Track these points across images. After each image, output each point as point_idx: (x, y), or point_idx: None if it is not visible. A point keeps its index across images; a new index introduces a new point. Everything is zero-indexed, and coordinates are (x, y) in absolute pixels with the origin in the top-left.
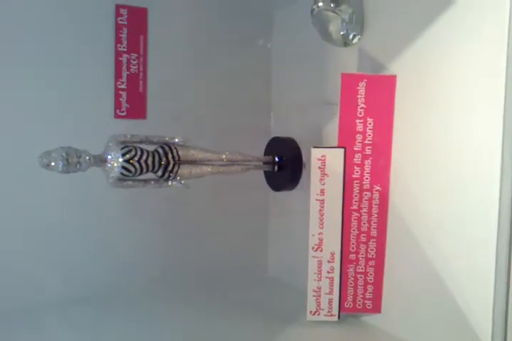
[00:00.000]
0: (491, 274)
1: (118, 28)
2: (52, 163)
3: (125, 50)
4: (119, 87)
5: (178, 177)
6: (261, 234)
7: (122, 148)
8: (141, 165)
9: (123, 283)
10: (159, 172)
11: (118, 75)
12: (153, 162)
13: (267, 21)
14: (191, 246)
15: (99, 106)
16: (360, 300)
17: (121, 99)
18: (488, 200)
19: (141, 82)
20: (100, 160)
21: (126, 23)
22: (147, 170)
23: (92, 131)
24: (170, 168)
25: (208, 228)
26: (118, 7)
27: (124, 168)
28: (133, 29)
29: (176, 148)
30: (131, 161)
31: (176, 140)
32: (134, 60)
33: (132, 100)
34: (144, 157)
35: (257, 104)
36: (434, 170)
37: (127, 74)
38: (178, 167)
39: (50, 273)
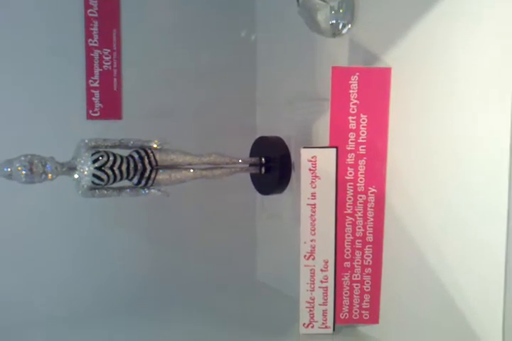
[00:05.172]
0: (499, 282)
1: (88, 21)
2: (14, 173)
3: (97, 45)
4: (92, 85)
5: (156, 185)
6: (249, 240)
7: (93, 154)
8: (114, 173)
9: (106, 297)
10: (135, 180)
11: (90, 73)
12: (127, 168)
13: (249, 11)
14: (176, 253)
15: (70, 106)
16: (356, 311)
17: (93, 99)
18: (496, 202)
19: (115, 79)
20: (69, 168)
21: (96, 15)
22: (121, 178)
23: (63, 134)
24: (147, 175)
25: (192, 234)
26: None
27: (95, 176)
28: (105, 22)
29: (152, 152)
30: (103, 168)
31: (153, 143)
32: (106, 56)
33: (106, 99)
34: (118, 163)
35: (242, 101)
36: (434, 169)
37: (100, 72)
38: (156, 173)
39: (27, 289)
